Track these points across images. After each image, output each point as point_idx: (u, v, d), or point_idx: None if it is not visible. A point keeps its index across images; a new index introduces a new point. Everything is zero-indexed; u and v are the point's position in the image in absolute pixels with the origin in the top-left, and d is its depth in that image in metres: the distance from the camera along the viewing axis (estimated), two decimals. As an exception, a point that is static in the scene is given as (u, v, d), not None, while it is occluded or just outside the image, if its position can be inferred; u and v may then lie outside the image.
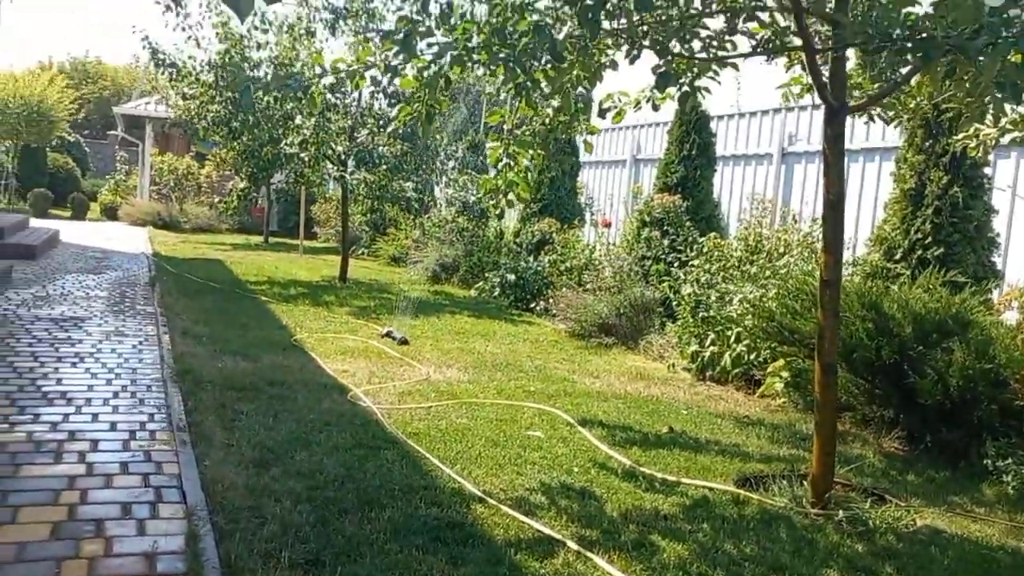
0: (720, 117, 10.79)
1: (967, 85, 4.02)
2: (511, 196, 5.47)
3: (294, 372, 6.17)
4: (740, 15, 4.34)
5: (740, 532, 3.85)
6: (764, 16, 4.42)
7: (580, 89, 4.99)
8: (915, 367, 5.23)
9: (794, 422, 5.95)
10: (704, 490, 4.37)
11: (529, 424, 5.38)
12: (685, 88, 4.66)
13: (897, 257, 6.80)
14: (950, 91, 4.39)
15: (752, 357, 6.82)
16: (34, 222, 15.89)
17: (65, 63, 45.07)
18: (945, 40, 3.55)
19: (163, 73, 12.90)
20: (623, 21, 4.27)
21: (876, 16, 4.26)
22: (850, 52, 4.46)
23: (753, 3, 4.32)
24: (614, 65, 4.66)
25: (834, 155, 4.27)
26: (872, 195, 8.45)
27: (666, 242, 9.62)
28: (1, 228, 11.79)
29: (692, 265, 8.20)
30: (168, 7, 11.33)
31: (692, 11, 4.26)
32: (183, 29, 12.02)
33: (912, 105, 5.27)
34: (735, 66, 4.58)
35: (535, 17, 4.06)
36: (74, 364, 5.87)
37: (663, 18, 4.28)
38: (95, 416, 4.71)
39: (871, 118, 5.11)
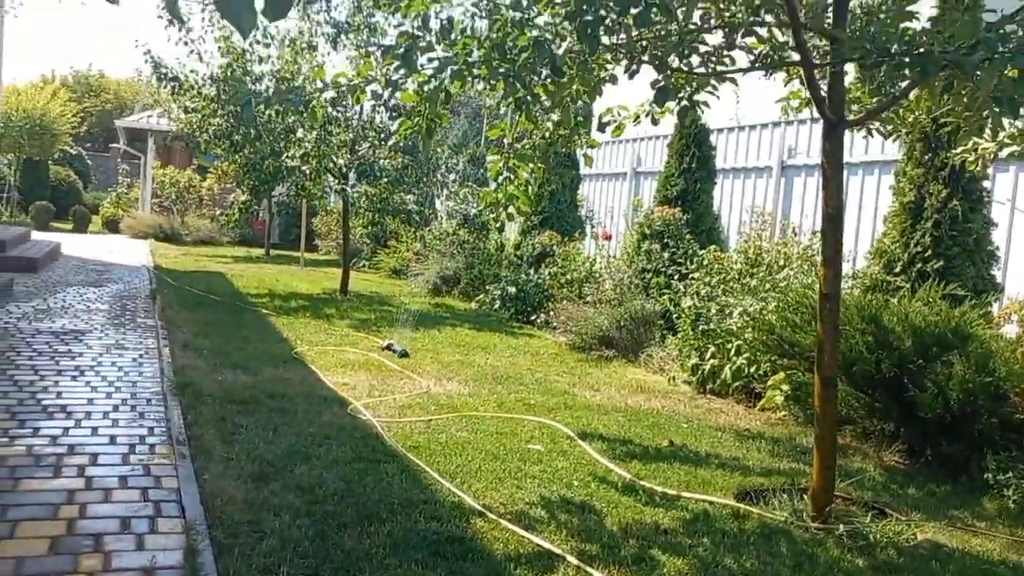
0: (720, 130, 10.82)
1: (965, 99, 4.04)
2: (511, 209, 5.49)
3: (294, 385, 6.17)
4: (738, 30, 4.37)
5: (740, 546, 3.84)
6: (762, 31, 4.45)
7: (580, 103, 5.02)
8: (915, 380, 5.23)
9: (794, 435, 5.94)
10: (704, 504, 4.37)
11: (529, 437, 5.38)
12: (684, 102, 4.69)
13: (897, 270, 6.80)
14: (948, 105, 4.41)
15: (752, 370, 6.81)
16: (36, 235, 15.92)
17: (68, 76, 45.28)
18: (942, 55, 3.57)
19: (165, 87, 12.96)
20: (622, 36, 4.29)
21: (874, 31, 4.29)
22: (849, 66, 4.48)
23: (751, 18, 4.35)
24: (613, 79, 4.69)
25: (833, 169, 4.28)
26: (872, 208, 8.46)
27: (666, 255, 9.64)
28: (3, 241, 11.81)
29: (692, 278, 8.20)
30: (171, 21, 11.40)
31: (691, 26, 4.28)
32: (185, 43, 12.10)
33: (911, 119, 5.28)
34: (734, 81, 4.60)
35: (535, 32, 4.08)
36: (74, 377, 5.88)
37: (662, 33, 4.30)
38: (95, 430, 4.71)
39: (869, 132, 5.12)
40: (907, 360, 5.29)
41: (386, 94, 4.66)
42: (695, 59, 4.49)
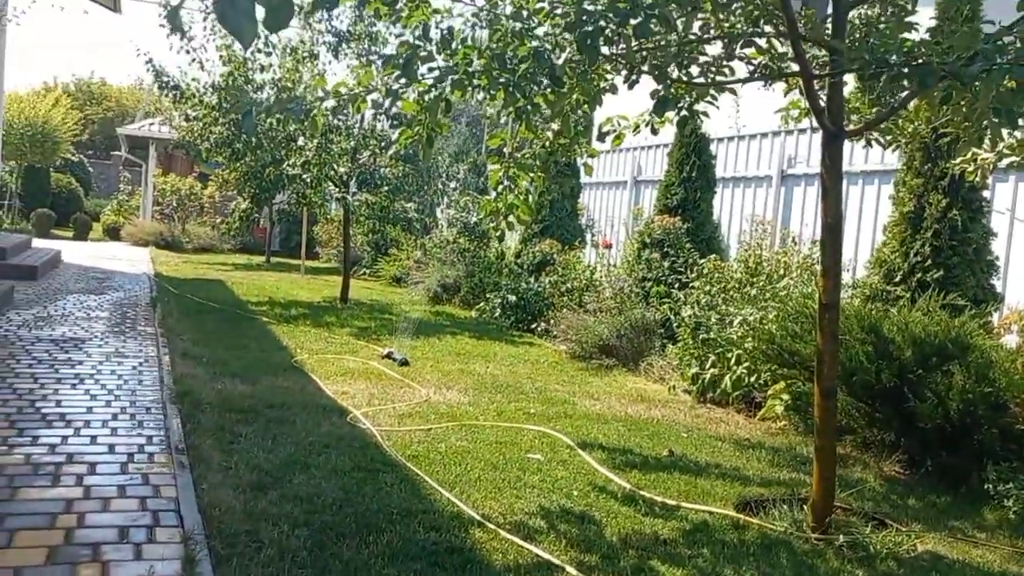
0: (720, 139, 10.84)
1: (964, 110, 4.05)
2: (511, 218, 5.50)
3: (294, 394, 6.17)
4: (738, 41, 4.38)
5: (740, 557, 3.83)
6: (761, 42, 4.46)
7: (580, 113, 5.03)
8: (915, 391, 5.22)
9: (794, 445, 5.93)
10: (704, 514, 4.36)
11: (529, 447, 5.37)
12: (684, 112, 4.70)
13: (897, 280, 6.80)
14: (947, 116, 4.42)
15: (752, 379, 6.80)
16: (37, 242, 15.93)
17: (70, 84, 45.43)
18: (941, 66, 3.58)
19: (167, 95, 13.00)
20: (622, 47, 4.30)
21: (873, 42, 4.30)
22: (848, 76, 4.49)
23: (750, 29, 4.36)
24: (613, 89, 4.69)
25: (832, 179, 4.28)
26: (871, 217, 8.47)
27: (666, 264, 9.64)
28: (3, 249, 11.82)
29: (692, 287, 8.20)
30: (172, 30, 11.42)
31: (690, 37, 4.29)
32: (187, 52, 12.13)
33: (910, 129, 5.30)
34: (733, 91, 4.62)
35: (535, 43, 4.09)
36: (74, 385, 5.87)
37: (661, 43, 4.31)
38: (94, 438, 4.70)
39: (869, 143, 5.13)
40: (907, 370, 5.29)
41: (387, 103, 4.67)
42: (694, 69, 4.50)
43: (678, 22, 4.19)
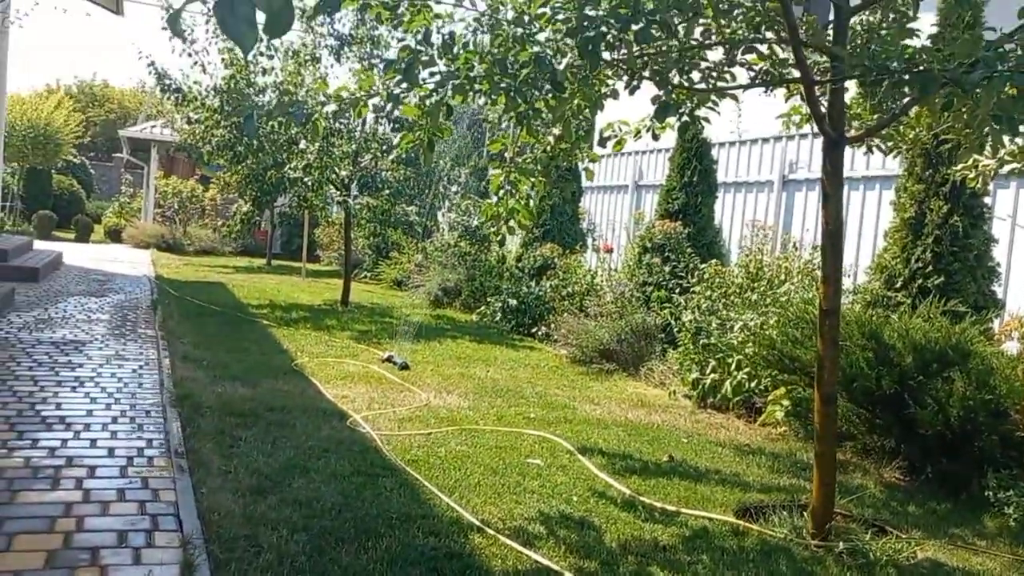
0: (721, 144, 10.84)
1: (965, 116, 4.05)
2: (512, 223, 5.49)
3: (294, 397, 6.17)
4: (739, 47, 4.38)
5: (740, 564, 3.83)
6: (763, 48, 4.46)
7: (581, 118, 5.03)
8: (915, 397, 5.22)
9: (795, 451, 5.93)
10: (704, 521, 4.35)
11: (529, 452, 5.37)
12: (685, 118, 4.70)
13: (898, 285, 6.80)
14: (948, 123, 4.42)
15: (753, 385, 6.80)
16: (38, 244, 15.95)
17: (72, 86, 45.48)
18: (942, 73, 3.58)
19: (169, 98, 13.01)
20: (623, 52, 4.30)
21: (874, 48, 4.30)
22: (850, 82, 4.50)
23: (752, 35, 4.36)
24: (615, 94, 4.70)
25: (833, 186, 4.28)
26: (872, 223, 8.47)
27: (667, 268, 9.64)
28: (5, 250, 11.83)
29: (693, 292, 8.20)
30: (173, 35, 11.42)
31: (692, 42, 4.29)
32: (189, 54, 12.15)
33: (911, 136, 5.30)
34: (735, 97, 4.61)
35: (536, 48, 4.10)
36: (74, 388, 5.87)
37: (663, 48, 4.31)
38: (93, 442, 4.70)
39: (870, 149, 5.12)
40: (907, 376, 5.28)
41: (388, 108, 4.68)
42: (696, 75, 4.50)
43: (679, 28, 4.19)
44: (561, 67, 4.21)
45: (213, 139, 12.71)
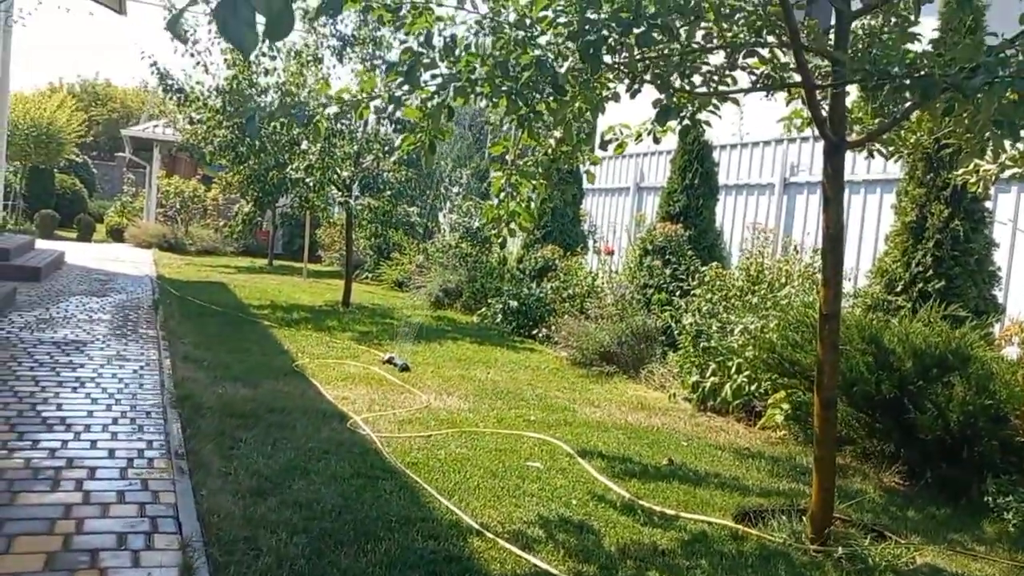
0: (723, 146, 10.85)
1: (966, 121, 4.05)
2: (512, 225, 5.50)
3: (294, 399, 6.17)
4: (740, 51, 4.38)
5: (738, 569, 3.83)
6: (764, 52, 4.46)
7: (583, 121, 5.03)
8: (915, 402, 5.22)
9: (794, 455, 5.93)
10: (703, 525, 4.35)
11: (529, 454, 5.37)
12: (686, 121, 4.70)
13: (898, 289, 6.80)
14: (950, 127, 4.42)
15: (753, 388, 6.79)
16: (40, 243, 15.97)
17: (75, 84, 45.54)
18: (943, 78, 3.58)
19: (171, 98, 13.03)
20: (624, 56, 4.31)
21: (875, 52, 4.30)
22: (851, 86, 4.49)
23: (753, 39, 4.36)
24: (616, 97, 4.70)
25: (834, 190, 4.28)
26: (873, 226, 8.46)
27: (668, 271, 9.64)
28: (7, 250, 11.84)
29: (694, 294, 8.20)
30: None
31: (693, 46, 4.30)
32: (191, 55, 12.16)
33: (912, 140, 5.29)
34: (735, 101, 4.61)
35: (537, 52, 4.10)
36: (74, 389, 5.88)
37: (664, 52, 4.32)
38: (94, 443, 4.70)
39: (871, 154, 5.12)
40: (907, 381, 5.28)
41: (390, 110, 4.68)
42: (697, 79, 4.50)
43: (681, 31, 4.20)
44: (562, 70, 4.21)
45: (215, 139, 12.73)
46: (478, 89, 4.30)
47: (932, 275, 6.62)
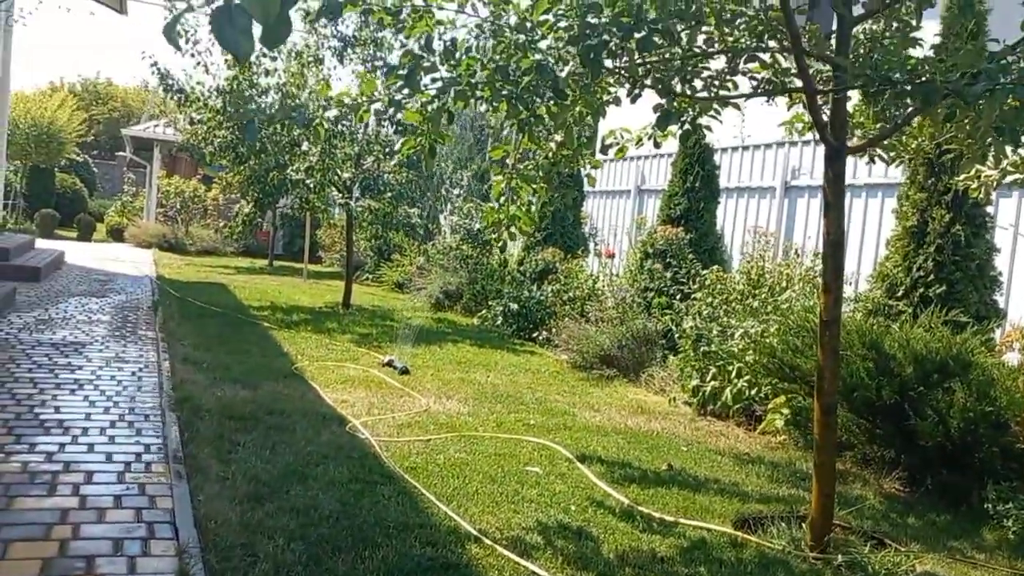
0: (724, 149, 10.82)
1: (967, 127, 4.03)
2: (512, 229, 5.49)
3: (293, 401, 6.15)
4: (741, 55, 4.36)
5: (737, 576, 3.81)
6: (765, 56, 4.44)
7: (584, 125, 5.02)
8: (916, 408, 5.20)
9: (794, 460, 5.91)
10: (702, 531, 4.33)
11: (528, 459, 5.35)
12: (687, 126, 4.69)
13: (899, 294, 6.78)
14: (951, 132, 4.41)
15: (753, 393, 6.78)
16: (40, 243, 15.96)
17: (76, 84, 45.55)
18: (944, 85, 3.56)
19: (171, 98, 13.01)
20: (625, 60, 4.29)
21: (876, 58, 4.28)
22: (852, 91, 4.48)
23: (754, 44, 4.35)
24: (617, 101, 4.68)
25: (835, 196, 4.27)
26: (875, 231, 8.44)
27: (669, 274, 9.62)
28: (7, 249, 11.83)
29: (694, 298, 8.19)
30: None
31: (694, 50, 4.28)
32: (192, 55, 12.15)
33: (913, 145, 5.28)
34: (736, 106, 4.60)
35: (537, 56, 4.08)
36: (73, 391, 5.86)
37: (665, 56, 4.30)
38: (91, 446, 4.69)
39: (872, 159, 5.10)
40: (908, 387, 5.26)
41: (389, 113, 4.67)
42: (698, 83, 4.49)
43: (682, 35, 4.18)
44: (563, 74, 4.20)
45: (215, 140, 12.71)
46: (479, 93, 4.28)
47: (933, 280, 6.60)
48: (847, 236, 7.79)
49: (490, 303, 11.99)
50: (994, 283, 6.70)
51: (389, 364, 7.99)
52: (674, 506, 4.69)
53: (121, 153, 29.73)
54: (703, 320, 7.67)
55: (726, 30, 4.32)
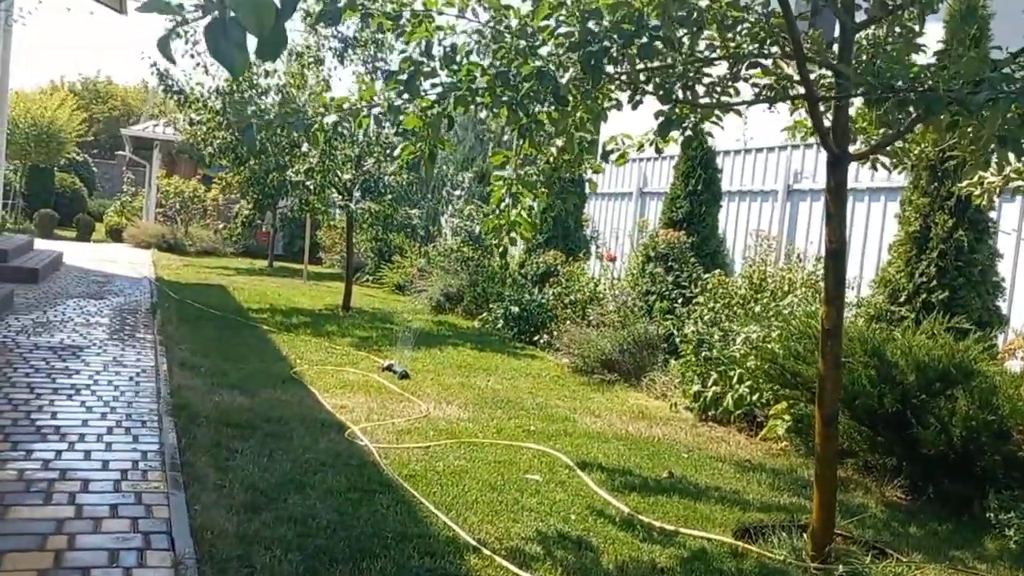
0: (726, 152, 10.78)
1: (971, 133, 4.00)
2: (513, 234, 5.45)
3: (292, 407, 6.12)
4: (743, 62, 4.33)
5: (738, 588, 3.78)
6: (767, 62, 4.41)
7: (585, 132, 4.98)
8: (918, 416, 5.17)
9: (795, 467, 5.88)
10: (702, 541, 4.30)
11: (528, 466, 5.32)
12: (688, 132, 4.66)
13: (901, 300, 6.74)
14: (954, 139, 4.37)
15: (755, 398, 6.74)
16: (39, 243, 15.94)
17: (76, 82, 45.54)
18: (947, 93, 3.53)
19: (171, 98, 12.99)
20: (626, 66, 4.26)
21: (879, 64, 4.25)
22: (854, 98, 4.45)
23: (756, 48, 4.32)
24: (619, 105, 4.66)
25: (836, 204, 4.23)
26: (877, 235, 8.41)
27: (670, 278, 9.58)
28: (5, 251, 11.81)
29: (696, 303, 8.15)
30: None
31: (696, 56, 4.25)
32: (191, 56, 12.12)
33: (916, 151, 5.25)
34: (738, 112, 4.57)
35: (538, 63, 4.05)
36: (70, 397, 5.83)
37: (667, 61, 4.27)
38: (88, 454, 4.66)
39: (874, 166, 5.06)
40: (910, 395, 5.23)
41: (389, 119, 4.65)
42: (699, 89, 4.46)
43: (684, 38, 4.15)
44: (564, 81, 4.16)
45: (215, 141, 12.69)
46: (479, 99, 4.25)
47: (936, 286, 6.56)
48: (849, 240, 7.76)
49: (491, 306, 11.96)
50: (997, 289, 6.66)
51: (389, 368, 7.96)
52: (675, 515, 4.66)
53: (121, 152, 29.71)
54: (705, 325, 7.64)
55: (728, 35, 4.29)
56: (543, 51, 4.18)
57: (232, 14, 1.80)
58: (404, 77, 4.21)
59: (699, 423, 7.04)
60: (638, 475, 5.38)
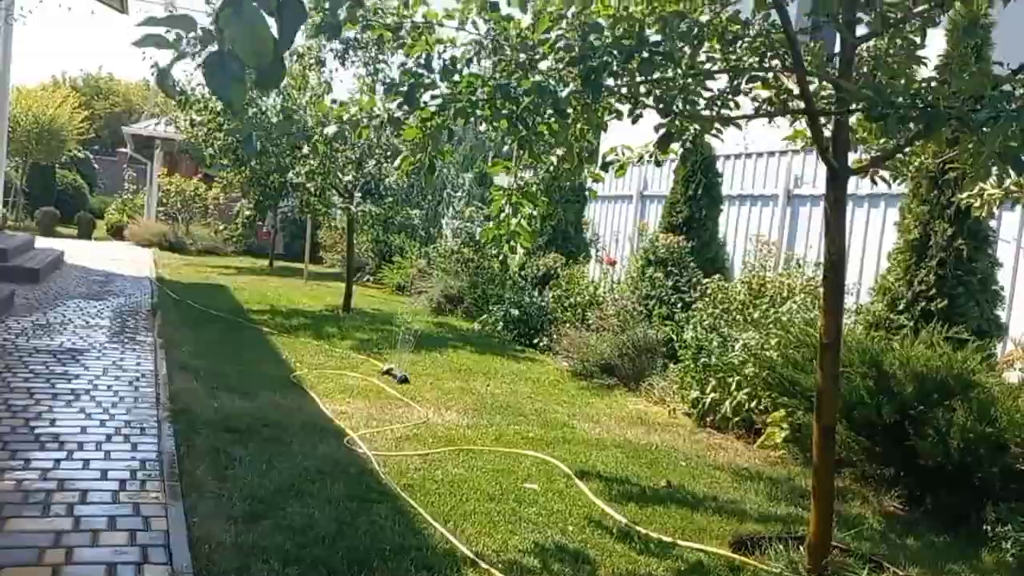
0: (727, 156, 10.76)
1: (971, 148, 4.00)
2: (512, 242, 5.45)
3: (291, 413, 6.13)
4: (743, 75, 4.33)
5: (734, 602, 3.79)
6: (767, 75, 4.41)
7: (585, 142, 4.99)
8: (916, 427, 5.17)
9: (793, 476, 5.88)
10: (699, 554, 4.31)
11: (526, 475, 5.33)
12: (688, 145, 4.66)
13: (900, 308, 6.74)
14: (954, 152, 4.37)
15: (753, 405, 6.75)
16: (40, 242, 15.95)
17: (78, 79, 45.55)
18: (948, 110, 3.53)
19: (172, 98, 12.99)
20: (626, 79, 4.26)
21: (879, 77, 4.25)
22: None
23: (757, 61, 4.31)
24: (619, 115, 4.65)
25: (835, 216, 4.24)
26: (876, 242, 8.40)
27: (670, 282, 9.58)
28: (5, 250, 11.82)
29: (696, 308, 8.16)
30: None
31: (695, 70, 4.25)
32: (193, 56, 12.09)
33: (916, 163, 5.25)
34: (738, 126, 4.57)
35: (538, 77, 4.05)
36: (69, 403, 5.84)
37: (667, 75, 4.27)
38: (86, 462, 4.67)
39: (873, 180, 5.06)
40: (908, 406, 5.24)
41: (389, 130, 4.65)
42: (700, 102, 4.45)
43: (685, 49, 4.15)
44: (564, 94, 4.16)
45: (216, 142, 12.69)
46: (479, 112, 4.26)
47: (935, 294, 6.56)
48: (849, 246, 7.75)
49: (491, 308, 11.96)
50: (996, 298, 6.65)
51: (388, 373, 7.96)
52: (672, 526, 4.67)
53: (122, 149, 29.71)
54: (704, 330, 7.64)
55: (730, 49, 4.29)
56: (543, 65, 4.18)
57: (229, 47, 1.81)
58: (404, 89, 4.21)
59: (697, 429, 7.05)
60: (636, 484, 5.39)
